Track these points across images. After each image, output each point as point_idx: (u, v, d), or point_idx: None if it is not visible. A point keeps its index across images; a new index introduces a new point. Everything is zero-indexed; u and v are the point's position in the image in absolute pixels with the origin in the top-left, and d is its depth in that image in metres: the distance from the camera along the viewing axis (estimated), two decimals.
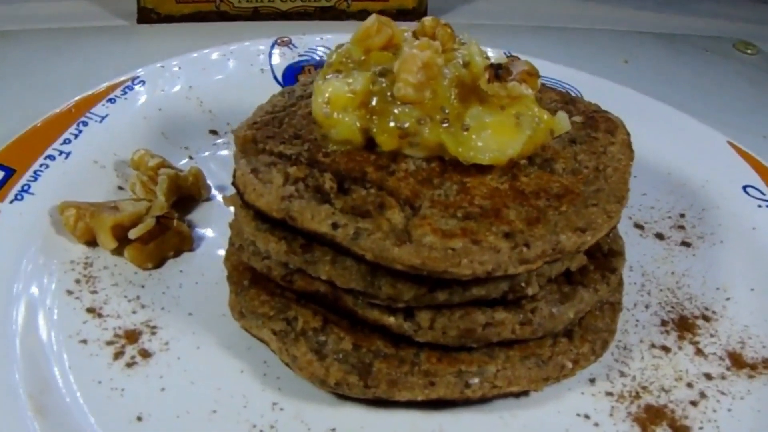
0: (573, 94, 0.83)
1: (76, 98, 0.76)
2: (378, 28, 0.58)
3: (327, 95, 0.54)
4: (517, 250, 0.48)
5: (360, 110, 0.54)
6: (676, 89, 1.03)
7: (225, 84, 0.84)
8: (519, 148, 0.54)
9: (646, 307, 0.64)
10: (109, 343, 0.57)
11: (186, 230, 0.66)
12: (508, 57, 0.90)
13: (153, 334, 0.58)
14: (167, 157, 0.72)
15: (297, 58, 0.88)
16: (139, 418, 0.52)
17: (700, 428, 0.54)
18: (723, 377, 0.58)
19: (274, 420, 0.53)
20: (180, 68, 0.84)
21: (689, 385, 0.58)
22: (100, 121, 0.75)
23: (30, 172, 0.67)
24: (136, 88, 0.80)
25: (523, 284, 0.51)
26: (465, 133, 0.53)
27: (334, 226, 0.49)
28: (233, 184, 0.56)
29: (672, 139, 0.81)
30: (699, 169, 0.78)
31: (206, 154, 0.77)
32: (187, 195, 0.70)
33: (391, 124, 0.54)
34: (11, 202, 0.64)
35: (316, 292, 0.53)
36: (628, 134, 0.62)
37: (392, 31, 0.58)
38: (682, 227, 0.73)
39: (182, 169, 0.71)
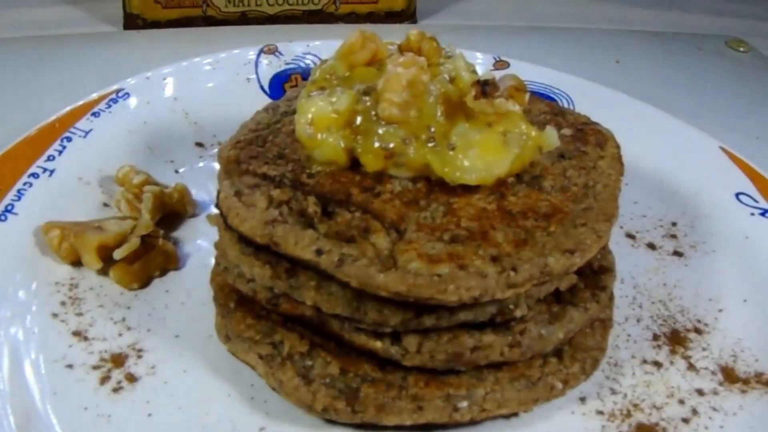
0: (563, 104, 0.82)
1: (60, 113, 0.75)
2: (362, 43, 0.57)
3: (310, 116, 0.53)
4: (505, 274, 0.47)
5: (344, 130, 0.53)
6: (668, 88, 1.03)
7: (210, 94, 0.83)
8: (506, 167, 0.53)
9: (638, 320, 0.63)
10: (95, 367, 0.56)
11: (171, 249, 0.65)
12: (497, 61, 0.90)
13: (139, 357, 0.57)
14: (153, 172, 0.72)
15: (283, 67, 0.87)
16: None
17: None
18: (715, 392, 0.58)
19: None
20: (165, 79, 0.83)
21: (681, 401, 0.57)
22: (84, 136, 0.74)
23: (13, 191, 0.66)
24: (120, 101, 0.79)
25: (511, 306, 0.50)
26: (451, 152, 0.52)
27: (318, 252, 0.48)
28: (217, 206, 0.55)
29: (664, 145, 0.80)
30: (691, 177, 0.77)
31: (192, 167, 0.76)
32: (173, 211, 0.69)
33: (376, 144, 0.53)
34: None
35: (301, 315, 0.52)
36: (618, 147, 0.61)
37: (376, 46, 0.57)
38: (674, 236, 0.72)
39: (168, 185, 0.70)
